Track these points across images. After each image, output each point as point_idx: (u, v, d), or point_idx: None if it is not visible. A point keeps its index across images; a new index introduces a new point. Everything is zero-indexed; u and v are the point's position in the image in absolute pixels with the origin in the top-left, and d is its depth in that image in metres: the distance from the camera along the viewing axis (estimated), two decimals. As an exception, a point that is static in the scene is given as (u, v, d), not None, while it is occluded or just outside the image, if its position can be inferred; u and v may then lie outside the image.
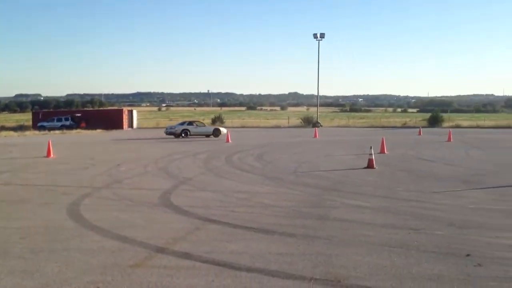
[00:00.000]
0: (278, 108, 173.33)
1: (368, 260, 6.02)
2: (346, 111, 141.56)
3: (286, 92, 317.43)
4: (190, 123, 37.61)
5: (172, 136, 35.48)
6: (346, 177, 14.10)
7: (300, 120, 60.83)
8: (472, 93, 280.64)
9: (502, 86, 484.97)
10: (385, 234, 7.31)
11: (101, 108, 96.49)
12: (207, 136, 35.34)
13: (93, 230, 7.70)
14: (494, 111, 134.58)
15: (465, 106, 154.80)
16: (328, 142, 29.94)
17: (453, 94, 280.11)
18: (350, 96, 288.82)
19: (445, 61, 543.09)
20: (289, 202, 10.17)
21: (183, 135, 35.13)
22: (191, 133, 35.40)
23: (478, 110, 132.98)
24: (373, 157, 16.26)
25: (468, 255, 6.16)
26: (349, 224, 8.05)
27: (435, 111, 68.55)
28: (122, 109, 58.03)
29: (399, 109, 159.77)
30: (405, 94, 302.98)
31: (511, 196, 10.80)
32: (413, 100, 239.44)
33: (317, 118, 59.66)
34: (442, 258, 6.08)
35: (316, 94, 68.31)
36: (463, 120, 66.78)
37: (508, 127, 53.41)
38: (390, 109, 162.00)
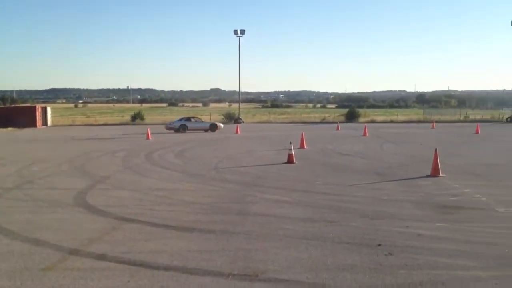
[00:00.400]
0: (200, 105, 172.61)
1: (286, 253, 6.13)
2: (267, 107, 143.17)
3: (208, 89, 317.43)
4: (188, 119, 38.96)
5: (172, 131, 36.33)
6: (266, 172, 14.28)
7: (222, 117, 60.65)
8: (386, 89, 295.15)
9: (414, 82, 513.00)
10: (303, 227, 7.49)
11: (12, 105, 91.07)
12: (205, 131, 36.61)
13: (1, 233, 7.32)
14: (406, 106, 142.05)
15: (380, 102, 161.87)
16: (250, 138, 30.17)
17: (369, 90, 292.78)
18: (272, 92, 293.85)
19: (362, 58, 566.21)
20: (209, 199, 10.15)
21: (181, 130, 36.12)
22: (189, 128, 36.67)
23: (391, 106, 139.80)
24: (293, 152, 16.60)
25: (379, 245, 6.45)
26: (268, 219, 8.16)
27: (352, 106, 70.82)
28: (35, 106, 55.10)
29: (318, 105, 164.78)
30: (324, 90, 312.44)
31: (420, 187, 11.40)
32: (331, 96, 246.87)
33: (239, 114, 59.79)
34: (355, 248, 6.32)
35: (238, 90, 68.64)
36: (378, 115, 69.81)
37: (419, 121, 56.46)
38: (310, 105, 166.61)
